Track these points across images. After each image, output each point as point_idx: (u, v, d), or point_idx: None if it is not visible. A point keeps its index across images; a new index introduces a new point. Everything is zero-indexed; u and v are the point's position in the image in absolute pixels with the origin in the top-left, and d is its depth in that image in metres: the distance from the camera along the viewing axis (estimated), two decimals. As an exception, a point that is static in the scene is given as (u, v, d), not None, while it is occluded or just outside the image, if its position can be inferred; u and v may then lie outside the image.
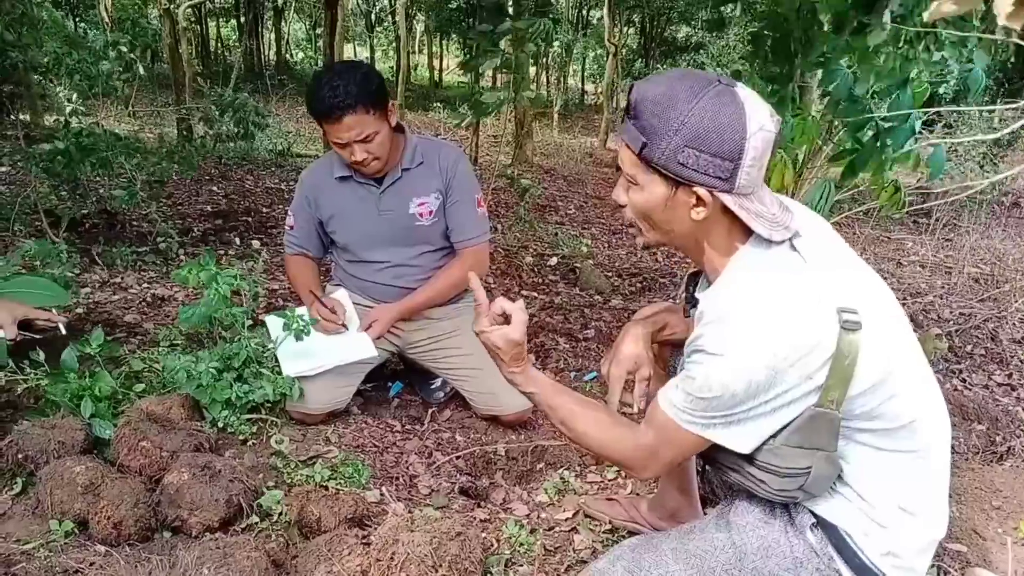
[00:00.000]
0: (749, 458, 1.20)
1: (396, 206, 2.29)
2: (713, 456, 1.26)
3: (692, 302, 1.37)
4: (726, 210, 1.14)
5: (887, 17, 2.01)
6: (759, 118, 1.08)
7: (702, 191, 1.11)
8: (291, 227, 2.42)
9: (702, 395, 1.14)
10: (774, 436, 1.17)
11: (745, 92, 1.11)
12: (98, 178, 3.98)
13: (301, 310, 2.30)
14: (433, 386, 2.57)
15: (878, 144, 2.22)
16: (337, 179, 2.30)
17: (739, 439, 1.17)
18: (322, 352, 2.23)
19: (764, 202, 1.15)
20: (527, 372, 1.38)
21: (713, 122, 1.07)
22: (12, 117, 3.93)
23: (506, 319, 1.36)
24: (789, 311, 1.09)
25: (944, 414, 1.26)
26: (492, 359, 1.39)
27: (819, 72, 2.49)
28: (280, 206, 5.19)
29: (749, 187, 1.11)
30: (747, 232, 1.17)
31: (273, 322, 2.28)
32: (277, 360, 2.20)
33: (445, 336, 2.41)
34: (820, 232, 1.23)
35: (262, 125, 6.42)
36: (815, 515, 1.26)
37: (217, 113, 5.96)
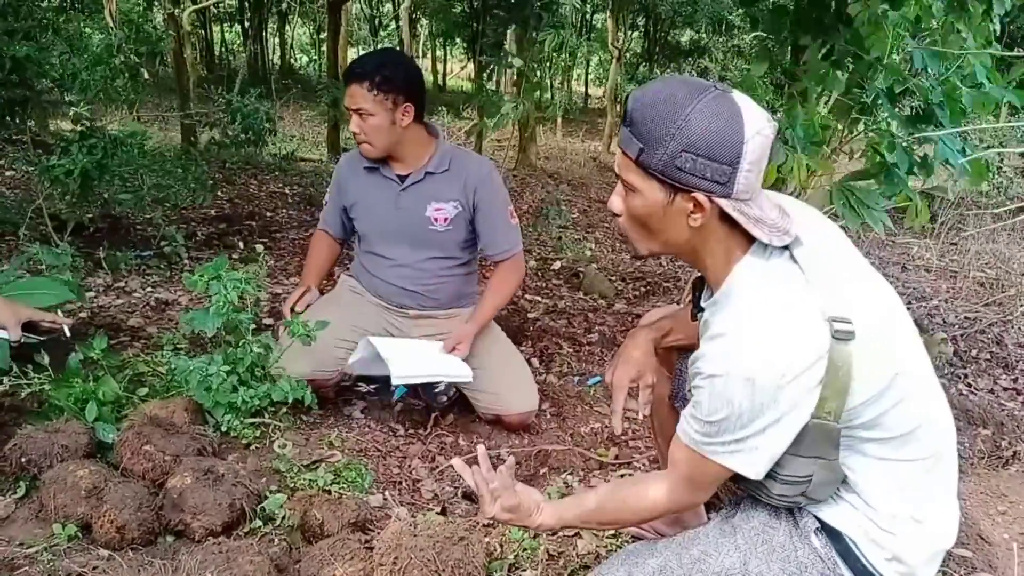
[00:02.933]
0: None
1: (413, 206, 2.33)
2: None
3: (699, 307, 1.36)
4: (724, 217, 1.13)
5: None
6: (756, 122, 1.08)
7: (700, 196, 1.10)
8: (325, 203, 2.53)
9: (711, 418, 1.13)
10: None
11: (741, 97, 1.10)
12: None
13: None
14: (437, 389, 2.57)
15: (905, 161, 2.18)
16: (365, 168, 2.37)
17: (752, 464, 1.15)
18: (428, 363, 2.27)
19: (763, 207, 1.14)
20: (547, 513, 1.41)
21: (711, 126, 1.06)
22: (22, 122, 3.90)
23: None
24: (786, 327, 1.09)
25: (950, 422, 1.25)
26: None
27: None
28: (284, 211, 5.19)
29: (747, 192, 1.10)
30: (746, 240, 1.16)
31: (379, 342, 2.25)
32: (387, 370, 2.17)
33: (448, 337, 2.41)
34: (824, 238, 1.21)
35: (272, 131, 6.43)
36: (820, 520, 1.25)
37: (228, 119, 5.94)
